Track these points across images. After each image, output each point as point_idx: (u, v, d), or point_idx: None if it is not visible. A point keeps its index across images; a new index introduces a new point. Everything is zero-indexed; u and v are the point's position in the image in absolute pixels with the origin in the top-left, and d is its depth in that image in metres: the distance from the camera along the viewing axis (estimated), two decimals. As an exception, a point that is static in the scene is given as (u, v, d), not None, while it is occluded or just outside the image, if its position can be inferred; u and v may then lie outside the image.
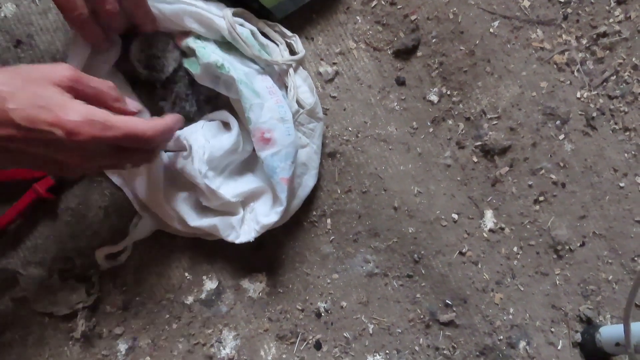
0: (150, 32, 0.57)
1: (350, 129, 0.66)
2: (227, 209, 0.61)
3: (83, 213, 0.64)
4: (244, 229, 0.61)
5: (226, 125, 0.61)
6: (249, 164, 0.64)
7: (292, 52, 0.63)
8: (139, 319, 0.64)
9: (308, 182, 0.62)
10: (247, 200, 0.62)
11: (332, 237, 0.66)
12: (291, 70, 0.61)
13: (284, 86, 0.61)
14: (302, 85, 0.62)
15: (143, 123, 0.45)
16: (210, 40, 0.59)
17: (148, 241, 0.64)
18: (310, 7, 0.66)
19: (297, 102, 0.61)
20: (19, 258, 0.63)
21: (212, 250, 0.65)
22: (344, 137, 0.66)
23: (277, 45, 0.63)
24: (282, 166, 0.57)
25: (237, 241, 0.60)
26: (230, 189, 0.61)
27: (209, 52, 0.56)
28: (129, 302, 0.64)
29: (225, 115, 0.60)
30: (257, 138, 0.57)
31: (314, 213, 0.66)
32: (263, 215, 0.60)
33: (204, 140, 0.58)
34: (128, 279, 0.64)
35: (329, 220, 0.66)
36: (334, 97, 0.66)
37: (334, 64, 0.67)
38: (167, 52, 0.57)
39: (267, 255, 0.66)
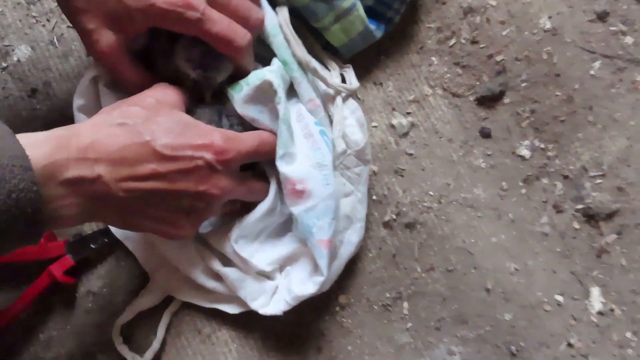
0: None
1: (431, 193, 0.55)
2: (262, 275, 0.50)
3: (108, 299, 0.52)
4: (275, 298, 0.49)
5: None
6: (289, 222, 0.52)
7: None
8: None
9: (352, 239, 0.51)
10: (284, 263, 0.51)
11: (410, 324, 0.54)
12: (339, 99, 0.50)
13: (327, 117, 0.51)
14: (349, 117, 0.51)
15: (265, 133, 0.46)
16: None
17: (186, 333, 0.52)
18: (377, 46, 0.55)
19: (344, 139, 0.50)
20: (30, 355, 0.51)
21: (265, 341, 0.53)
22: (425, 204, 0.54)
23: (329, 70, 0.52)
24: (319, 225, 0.45)
25: (263, 311, 0.48)
26: (266, 255, 0.49)
27: (263, 71, 0.46)
28: (160, 409, 0.52)
29: (261, 164, 0.49)
30: (288, 190, 0.46)
31: (388, 295, 0.54)
32: (298, 283, 0.48)
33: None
34: (160, 381, 0.52)
35: (405, 304, 0.54)
36: (410, 154, 0.55)
37: (408, 113, 0.56)
38: (221, 54, 0.45)
39: (331, 346, 0.54)
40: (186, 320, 0.52)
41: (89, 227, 0.53)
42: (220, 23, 0.42)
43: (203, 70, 0.44)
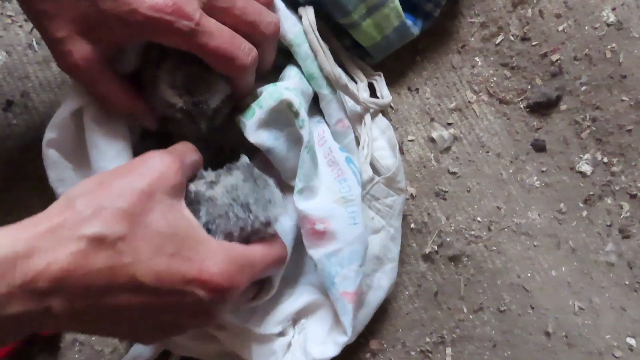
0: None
1: (479, 219, 0.46)
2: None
3: (97, 349, 0.44)
4: (287, 358, 0.41)
5: None
6: (299, 265, 0.44)
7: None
8: None
9: (382, 283, 0.42)
10: (298, 316, 0.42)
11: (454, 374, 0.46)
12: (367, 117, 0.42)
13: (354, 140, 0.42)
14: (379, 139, 0.43)
15: (280, 246, 0.35)
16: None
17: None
18: (412, 46, 0.47)
19: (371, 164, 0.42)
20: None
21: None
22: (472, 232, 0.46)
23: (356, 82, 0.44)
24: (344, 274, 0.37)
25: None
26: (274, 316, 0.41)
27: (280, 89, 0.37)
28: None
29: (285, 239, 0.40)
30: (307, 230, 0.37)
31: (428, 340, 0.46)
32: (315, 342, 0.40)
33: None
34: None
35: (449, 350, 0.46)
36: (453, 173, 0.47)
37: (449, 124, 0.47)
38: (212, 74, 0.36)
39: (360, 401, 0.46)
40: (189, 374, 0.44)
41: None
42: (219, 36, 0.33)
43: (191, 96, 0.35)
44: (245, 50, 0.34)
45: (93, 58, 0.32)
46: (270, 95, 0.36)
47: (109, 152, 0.35)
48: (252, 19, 0.35)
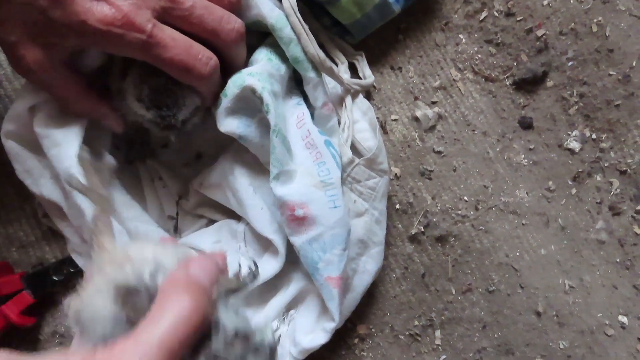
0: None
1: (465, 198, 0.45)
2: None
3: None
4: (278, 352, 0.40)
5: (265, 241, 0.40)
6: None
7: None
8: None
9: (368, 267, 0.41)
10: (288, 307, 0.41)
11: (444, 357, 0.45)
12: (348, 99, 0.41)
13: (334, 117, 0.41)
14: (360, 120, 0.42)
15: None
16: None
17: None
18: (395, 25, 0.46)
19: (353, 146, 0.41)
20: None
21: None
22: (459, 212, 0.45)
23: (337, 64, 0.43)
24: (327, 259, 0.36)
25: None
26: (266, 311, 0.40)
27: (242, 75, 0.36)
28: None
29: (263, 226, 0.39)
30: (287, 217, 0.37)
31: (416, 323, 0.45)
32: (304, 331, 0.39)
33: (248, 265, 0.38)
34: None
35: (438, 333, 0.45)
36: (439, 152, 0.46)
37: (434, 103, 0.46)
38: (178, 85, 0.35)
39: (349, 387, 0.45)
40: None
41: (52, 255, 0.44)
42: (173, 47, 0.32)
43: (158, 110, 0.34)
44: (202, 60, 0.33)
45: (46, 62, 0.32)
46: (233, 83, 0.36)
47: (70, 151, 0.34)
48: (212, 27, 0.33)
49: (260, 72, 0.35)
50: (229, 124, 0.35)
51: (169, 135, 0.36)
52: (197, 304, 0.22)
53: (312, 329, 0.39)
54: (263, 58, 0.37)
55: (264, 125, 0.37)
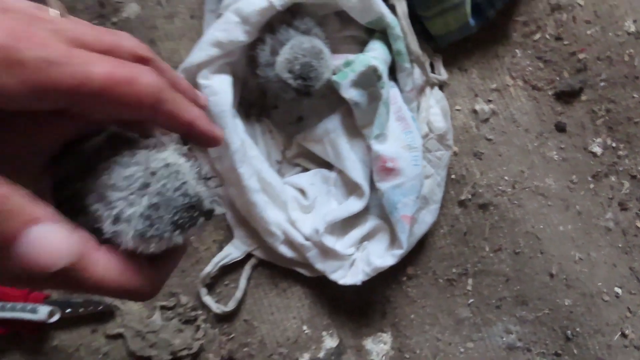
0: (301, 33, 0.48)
1: (506, 178, 0.57)
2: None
3: (194, 246, 0.56)
4: (352, 270, 0.52)
5: (353, 186, 0.53)
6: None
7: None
8: (244, 375, 0.55)
9: (426, 219, 0.54)
10: (362, 240, 0.54)
11: (472, 300, 0.57)
12: (428, 89, 0.53)
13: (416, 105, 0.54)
14: (434, 106, 0.54)
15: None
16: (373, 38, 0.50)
17: (264, 285, 0.56)
18: (466, 36, 0.58)
19: (427, 125, 0.53)
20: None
21: (335, 301, 0.56)
22: (500, 187, 0.57)
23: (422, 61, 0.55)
24: (404, 202, 0.48)
25: (342, 282, 0.52)
26: (348, 240, 0.53)
27: (368, 57, 0.48)
28: (234, 352, 0.55)
29: (357, 175, 0.51)
30: (378, 167, 0.49)
31: (454, 270, 0.57)
32: (377, 256, 0.51)
33: (337, 204, 0.51)
34: (237, 325, 0.56)
35: (470, 281, 0.57)
36: (489, 139, 0.57)
37: (490, 101, 0.58)
38: (323, 59, 0.47)
39: (395, 312, 0.57)
40: (265, 274, 0.56)
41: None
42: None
43: (303, 80, 0.46)
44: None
45: None
46: (360, 62, 0.48)
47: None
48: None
49: (379, 57, 0.48)
50: (350, 92, 0.48)
51: (302, 99, 0.48)
52: None
53: (383, 254, 0.51)
54: (378, 48, 0.49)
55: (372, 97, 0.49)
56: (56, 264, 0.19)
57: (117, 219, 0.21)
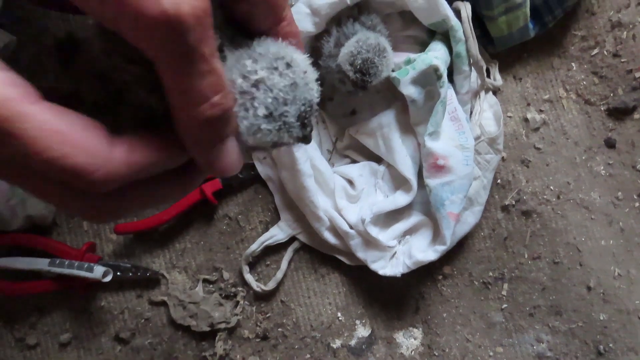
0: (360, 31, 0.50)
1: (552, 187, 0.58)
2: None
3: (241, 225, 0.58)
4: (393, 262, 0.54)
5: (400, 181, 0.55)
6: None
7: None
8: (277, 352, 0.57)
9: (469, 219, 0.55)
10: (405, 234, 0.55)
11: (505, 305, 0.58)
12: (482, 93, 0.55)
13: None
14: (487, 110, 0.55)
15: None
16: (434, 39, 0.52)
17: (303, 269, 0.58)
18: (524, 45, 0.58)
19: (479, 127, 0.54)
20: (165, 259, 0.58)
21: (370, 292, 0.58)
22: (544, 196, 0.58)
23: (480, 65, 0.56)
24: (452, 199, 0.50)
25: (382, 272, 0.53)
26: (392, 232, 0.54)
27: (430, 57, 0.49)
28: (269, 331, 0.57)
29: (406, 169, 0.53)
30: (429, 164, 0.50)
31: (490, 274, 0.58)
32: (419, 250, 0.53)
33: (383, 197, 0.53)
34: (274, 305, 0.58)
35: (506, 285, 0.58)
36: (538, 148, 0.58)
37: (541, 111, 0.59)
38: (386, 57, 0.48)
39: (428, 309, 0.58)
40: (305, 259, 0.58)
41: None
42: None
43: (362, 74, 0.47)
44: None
45: None
46: (422, 60, 0.49)
47: None
48: None
49: (441, 57, 0.49)
50: (410, 89, 0.49)
51: (358, 92, 0.50)
52: None
53: (425, 249, 0.52)
54: (440, 49, 0.51)
55: (429, 95, 0.50)
56: None
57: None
